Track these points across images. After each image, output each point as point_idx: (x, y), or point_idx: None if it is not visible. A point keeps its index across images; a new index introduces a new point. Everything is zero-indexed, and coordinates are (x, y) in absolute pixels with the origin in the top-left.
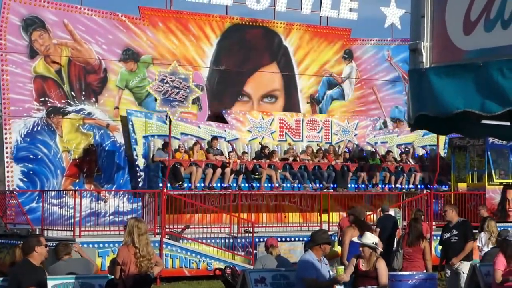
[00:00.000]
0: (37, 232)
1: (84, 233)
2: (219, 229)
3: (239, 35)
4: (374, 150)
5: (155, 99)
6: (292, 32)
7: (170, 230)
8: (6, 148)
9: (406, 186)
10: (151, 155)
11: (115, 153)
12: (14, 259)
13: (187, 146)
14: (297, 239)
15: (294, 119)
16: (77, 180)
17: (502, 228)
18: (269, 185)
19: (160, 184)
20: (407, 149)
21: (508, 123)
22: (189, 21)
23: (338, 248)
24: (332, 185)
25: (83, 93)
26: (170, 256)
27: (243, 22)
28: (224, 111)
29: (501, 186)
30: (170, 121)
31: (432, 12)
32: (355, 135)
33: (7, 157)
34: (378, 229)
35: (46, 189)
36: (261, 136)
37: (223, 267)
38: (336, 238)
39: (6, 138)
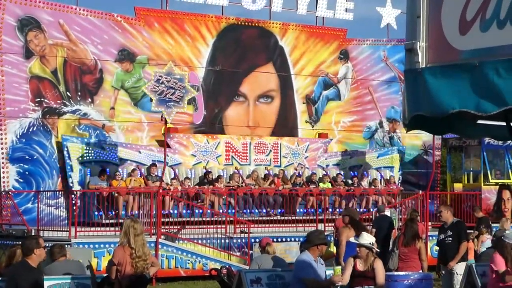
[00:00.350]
0: (33, 233)
1: (79, 233)
2: (215, 229)
3: (235, 36)
4: (325, 173)
5: (151, 100)
6: (288, 32)
7: (166, 230)
8: (2, 148)
9: (358, 210)
10: (87, 182)
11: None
12: (12, 259)
13: (125, 172)
14: (292, 239)
15: (241, 142)
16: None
17: (498, 229)
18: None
19: (96, 213)
20: (359, 172)
21: (504, 123)
22: (185, 21)
23: (334, 249)
24: (279, 211)
25: (79, 93)
26: (166, 257)
27: (239, 23)
28: (169, 136)
29: (497, 187)
30: (165, 121)
31: (428, 12)
32: (305, 158)
33: (2, 158)
34: (374, 230)
35: (41, 189)
36: (206, 160)
37: (219, 268)
38: (332, 238)
39: (1, 139)
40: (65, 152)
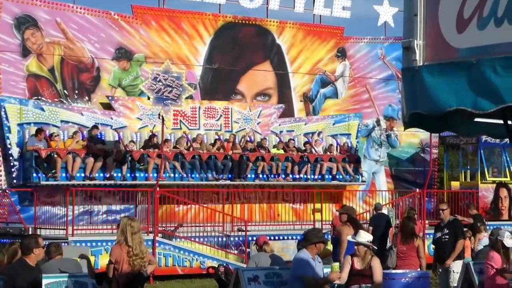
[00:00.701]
0: (30, 231)
1: (77, 231)
2: (212, 227)
3: (232, 34)
4: (278, 140)
5: (148, 98)
6: (285, 31)
7: (163, 228)
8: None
9: (312, 176)
10: (25, 143)
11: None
12: (14, 258)
13: (67, 134)
14: (290, 237)
15: (190, 106)
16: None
17: (495, 227)
18: (156, 175)
19: (35, 175)
20: (314, 138)
21: (501, 121)
22: (182, 19)
23: (331, 247)
24: (228, 176)
25: (76, 91)
26: (163, 255)
27: (236, 21)
28: (110, 98)
29: (494, 185)
30: (163, 119)
31: (425, 10)
32: (258, 123)
33: (1, 157)
34: (371, 228)
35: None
36: (153, 124)
37: (216, 266)
38: (330, 236)
39: None
40: (2, 113)
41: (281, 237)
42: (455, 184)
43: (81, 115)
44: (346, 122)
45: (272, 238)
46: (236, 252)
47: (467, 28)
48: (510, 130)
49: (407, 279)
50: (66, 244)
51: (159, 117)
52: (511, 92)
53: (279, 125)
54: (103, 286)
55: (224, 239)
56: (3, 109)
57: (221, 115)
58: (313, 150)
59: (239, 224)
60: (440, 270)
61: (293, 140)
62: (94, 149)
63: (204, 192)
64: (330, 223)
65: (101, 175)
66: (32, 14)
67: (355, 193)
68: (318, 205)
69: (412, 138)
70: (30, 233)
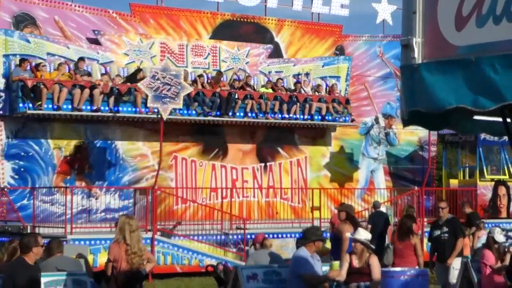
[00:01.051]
0: (29, 229)
1: (75, 230)
2: (210, 225)
3: (231, 32)
4: (267, 79)
5: (146, 96)
6: (283, 29)
7: (162, 227)
8: None
9: (301, 116)
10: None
11: (107, 150)
12: (14, 256)
13: (53, 67)
14: (288, 235)
15: (177, 43)
16: (68, 177)
17: (493, 225)
18: (145, 110)
19: (21, 105)
20: (302, 78)
21: (500, 119)
22: (180, 17)
23: (329, 245)
24: (217, 112)
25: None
26: (162, 253)
27: (235, 19)
28: (97, 32)
29: (493, 183)
30: (161, 118)
31: (424, 8)
32: (246, 63)
33: None
34: (369, 226)
35: (37, 186)
36: (140, 60)
37: (215, 264)
38: (328, 234)
39: None
40: None
41: (279, 235)
42: (453, 182)
43: (67, 48)
44: (335, 65)
45: (270, 236)
46: (235, 250)
47: (466, 26)
48: (508, 128)
49: (406, 277)
50: (65, 242)
51: (157, 116)
52: (511, 89)
53: (268, 65)
54: (102, 284)
55: (223, 237)
56: None
57: (209, 54)
58: (302, 90)
59: (237, 222)
60: (439, 268)
61: (282, 79)
62: (80, 80)
63: (190, 129)
64: (329, 221)
65: (88, 107)
66: (30, 13)
67: (353, 191)
68: (316, 203)
69: (410, 136)
70: (28, 231)
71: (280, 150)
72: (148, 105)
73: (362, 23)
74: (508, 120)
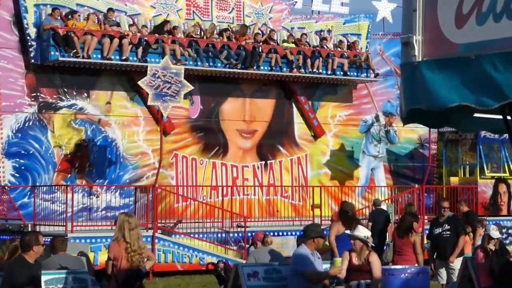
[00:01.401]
0: (29, 228)
1: (76, 228)
2: (211, 223)
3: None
4: (290, 34)
5: (147, 94)
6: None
7: (162, 225)
8: None
9: (324, 71)
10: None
11: (107, 148)
12: (14, 254)
13: (82, 17)
14: (289, 233)
15: None
16: (69, 175)
17: (494, 222)
18: (175, 62)
19: (52, 53)
20: (325, 35)
21: (500, 117)
22: None
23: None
24: (242, 66)
25: (75, 88)
26: (163, 251)
27: None
28: None
29: (493, 180)
30: (162, 116)
31: (424, 6)
32: (269, 19)
33: None
34: (370, 224)
35: (38, 184)
36: (166, 13)
37: (216, 262)
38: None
39: None
40: None
41: (280, 233)
42: (454, 180)
43: (96, 0)
44: (356, 22)
45: (271, 234)
46: (235, 248)
47: (466, 24)
48: (509, 126)
49: (406, 275)
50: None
51: (157, 114)
52: None
53: (290, 21)
54: (103, 282)
55: (224, 235)
56: None
57: (233, 8)
58: (325, 46)
59: (238, 220)
60: (440, 266)
61: (306, 35)
62: (110, 30)
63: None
64: (330, 218)
65: (117, 57)
66: None
67: (354, 189)
68: (317, 201)
69: (411, 134)
70: (29, 229)
71: (280, 148)
72: (149, 103)
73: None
74: (509, 117)
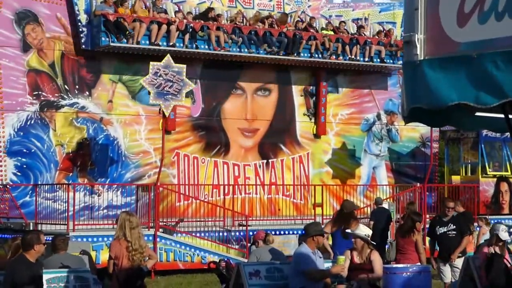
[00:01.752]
0: (31, 226)
1: (78, 227)
2: (213, 222)
3: None
4: (328, 22)
5: (149, 93)
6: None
7: (164, 223)
8: (0, 142)
9: (362, 59)
10: (93, 10)
11: (109, 146)
12: (15, 253)
13: (130, 4)
14: (291, 232)
15: None
16: (71, 174)
17: (496, 221)
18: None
19: (103, 39)
20: (362, 23)
21: (502, 116)
22: None
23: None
24: (283, 52)
25: (77, 86)
26: (164, 250)
27: None
28: None
29: (495, 179)
30: (164, 115)
31: (426, 5)
32: (308, 7)
33: (0, 151)
34: (371, 222)
35: (39, 183)
36: (210, 0)
37: (218, 261)
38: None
39: None
40: None
41: (282, 232)
42: (455, 179)
43: None
44: (391, 11)
45: (273, 232)
46: (237, 247)
47: (468, 22)
48: (510, 125)
49: (408, 274)
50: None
51: (159, 113)
52: None
53: (328, 9)
54: (105, 281)
55: (225, 234)
56: None
57: None
58: (363, 33)
59: (240, 219)
60: (443, 265)
61: (344, 22)
62: (158, 17)
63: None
64: (332, 217)
65: (165, 43)
66: (33, 9)
67: (355, 187)
68: (319, 200)
69: (412, 133)
70: (31, 228)
71: (282, 147)
72: (151, 101)
73: None
74: (510, 116)
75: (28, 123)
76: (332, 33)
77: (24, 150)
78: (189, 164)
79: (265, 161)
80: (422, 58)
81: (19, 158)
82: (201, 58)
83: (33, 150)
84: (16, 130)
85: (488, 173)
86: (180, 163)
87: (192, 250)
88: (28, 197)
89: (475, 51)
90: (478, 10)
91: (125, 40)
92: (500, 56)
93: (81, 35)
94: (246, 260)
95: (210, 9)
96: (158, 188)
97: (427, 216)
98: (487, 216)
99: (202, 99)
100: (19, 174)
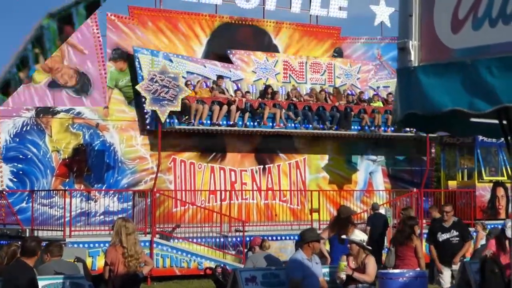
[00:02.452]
0: (27, 233)
1: (74, 233)
2: (209, 228)
3: (229, 34)
4: (376, 93)
5: (144, 99)
6: (281, 31)
7: (161, 229)
8: None
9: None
10: None
11: (105, 152)
12: (11, 259)
13: (192, 84)
14: (287, 237)
15: (298, 61)
16: (67, 180)
17: (493, 226)
18: (272, 124)
19: (168, 120)
20: None
21: (497, 121)
22: (179, 20)
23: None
24: (335, 127)
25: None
26: (161, 256)
27: (233, 21)
28: (229, 51)
29: (491, 184)
30: (159, 121)
31: (420, 11)
32: (357, 79)
33: None
34: (368, 228)
35: (36, 189)
36: (266, 77)
37: (214, 266)
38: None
39: None
40: (136, 63)
41: (278, 238)
42: (452, 184)
43: (204, 67)
44: None
45: (269, 238)
46: (233, 252)
47: (462, 29)
48: (505, 130)
49: (404, 279)
50: (63, 245)
51: (155, 119)
52: (507, 92)
53: (376, 81)
54: (100, 287)
55: (222, 239)
56: (137, 59)
57: (325, 70)
58: None
59: (236, 224)
60: (445, 271)
61: (392, 94)
62: (219, 97)
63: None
64: (328, 223)
65: (225, 122)
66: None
67: (352, 193)
68: (315, 205)
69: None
70: (27, 234)
71: (279, 152)
72: (146, 107)
73: (360, 26)
74: (504, 122)
75: (24, 129)
76: (381, 104)
77: (20, 156)
78: (185, 170)
79: (261, 166)
80: (416, 65)
81: (15, 164)
82: (257, 134)
83: (29, 156)
84: (12, 136)
85: (484, 178)
86: (177, 169)
87: (189, 256)
88: (25, 203)
89: (469, 57)
90: (472, 16)
91: (187, 121)
92: (494, 62)
93: (146, 116)
94: (242, 266)
95: (267, 86)
96: (154, 194)
97: (424, 221)
98: (483, 221)
99: None
100: (15, 180)
